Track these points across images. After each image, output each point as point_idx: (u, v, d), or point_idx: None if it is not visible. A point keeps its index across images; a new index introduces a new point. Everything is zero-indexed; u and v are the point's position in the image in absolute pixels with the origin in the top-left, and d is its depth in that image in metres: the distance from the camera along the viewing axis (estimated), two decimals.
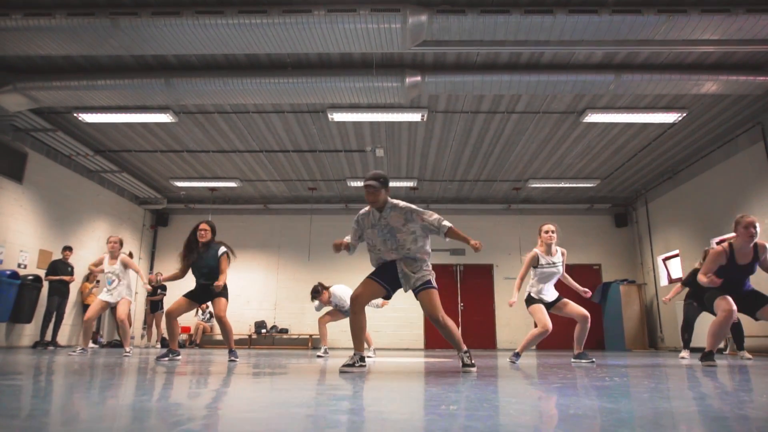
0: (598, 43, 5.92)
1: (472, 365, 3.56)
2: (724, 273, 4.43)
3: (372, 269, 3.83)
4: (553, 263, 5.04)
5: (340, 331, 10.89)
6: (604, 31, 5.51)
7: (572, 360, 5.13)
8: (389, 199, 3.72)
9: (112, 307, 6.72)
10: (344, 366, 3.41)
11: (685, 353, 6.68)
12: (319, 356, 6.38)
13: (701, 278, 4.45)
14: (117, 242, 6.48)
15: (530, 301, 5.11)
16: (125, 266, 6.44)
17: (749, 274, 4.46)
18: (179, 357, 5.12)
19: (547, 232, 5.05)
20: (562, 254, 5.15)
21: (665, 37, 5.62)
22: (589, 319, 4.99)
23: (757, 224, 4.36)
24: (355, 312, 3.59)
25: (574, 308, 5.02)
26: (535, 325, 5.08)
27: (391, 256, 3.69)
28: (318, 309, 7.08)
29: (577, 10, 5.37)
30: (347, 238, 4.00)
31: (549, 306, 5.10)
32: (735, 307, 4.35)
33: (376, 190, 3.59)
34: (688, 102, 7.65)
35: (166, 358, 4.94)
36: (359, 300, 3.59)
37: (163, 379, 2.75)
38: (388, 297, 3.83)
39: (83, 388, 2.20)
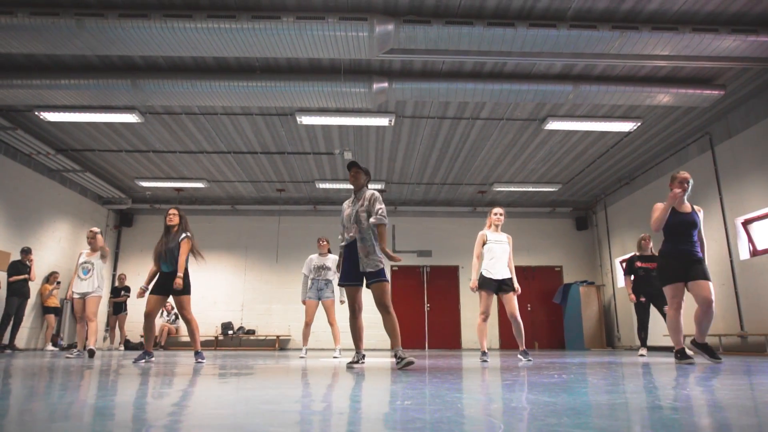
0: (557, 56, 6.21)
1: (409, 361, 3.84)
2: (669, 227, 4.53)
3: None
4: (500, 241, 5.63)
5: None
6: (563, 44, 5.78)
7: (519, 356, 5.54)
8: (367, 186, 4.44)
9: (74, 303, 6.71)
10: (350, 363, 4.17)
11: (643, 350, 6.94)
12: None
13: (655, 217, 4.50)
14: (98, 235, 6.67)
15: (482, 283, 5.57)
16: (103, 257, 6.59)
17: (693, 226, 4.51)
18: (153, 359, 5.14)
19: (496, 213, 5.74)
20: (508, 238, 5.73)
21: (620, 51, 5.93)
22: (518, 319, 5.46)
23: (691, 181, 4.57)
24: (355, 317, 4.25)
25: (510, 306, 5.48)
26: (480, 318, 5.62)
27: (351, 231, 4.24)
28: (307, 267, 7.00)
29: (537, 24, 5.62)
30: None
31: (498, 287, 5.52)
32: (683, 295, 4.42)
33: (357, 172, 4.38)
34: (643, 112, 8.04)
35: (143, 361, 4.94)
36: (358, 307, 4.24)
37: (139, 380, 2.81)
38: (364, 286, 4.25)
39: (51, 389, 2.25)
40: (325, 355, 7.50)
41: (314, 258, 6.97)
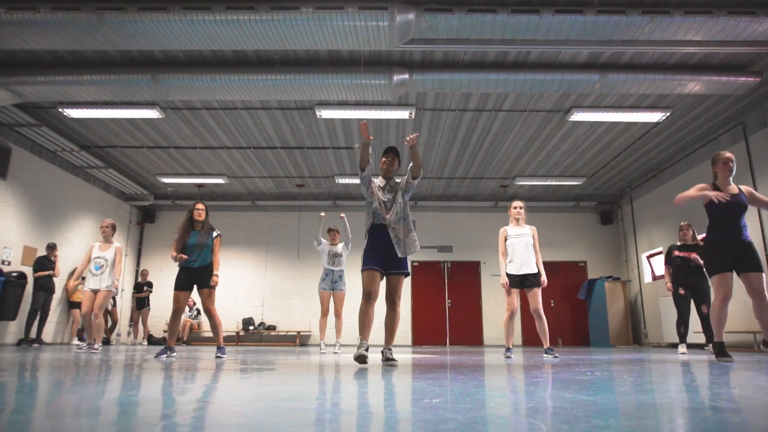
0: (583, 43, 6.00)
1: (394, 360, 3.78)
2: (716, 208, 4.26)
3: (364, 252, 4.00)
4: (521, 234, 5.50)
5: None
6: (590, 31, 5.58)
7: (544, 355, 5.36)
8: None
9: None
10: (358, 356, 3.68)
11: (682, 348, 6.46)
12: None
13: (685, 194, 4.28)
14: (109, 226, 6.63)
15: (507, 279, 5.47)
16: (115, 255, 6.56)
17: (741, 209, 4.25)
18: (175, 354, 5.15)
19: (515, 207, 5.67)
20: (532, 230, 5.59)
21: (649, 38, 5.71)
22: (541, 315, 5.29)
23: (734, 159, 4.37)
24: (370, 305, 3.86)
25: (534, 301, 5.33)
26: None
27: (387, 217, 3.98)
28: (318, 242, 7.21)
29: (562, 10, 5.43)
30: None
31: (522, 283, 5.38)
32: (731, 285, 4.17)
33: (394, 159, 4.15)
34: (672, 101, 7.77)
35: (164, 355, 4.94)
36: (374, 294, 3.85)
37: (162, 375, 2.76)
38: (383, 277, 4.02)
39: (75, 384, 2.21)
40: (344, 351, 7.44)
41: (326, 245, 7.19)
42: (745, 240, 4.22)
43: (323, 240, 7.22)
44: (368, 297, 3.83)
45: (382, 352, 3.86)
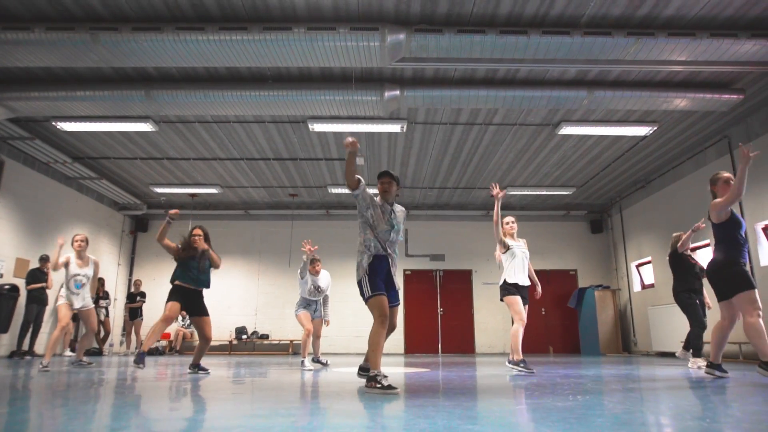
0: (571, 62, 6.13)
1: (384, 386, 3.35)
2: (727, 231, 4.31)
3: (372, 274, 3.70)
4: (520, 246, 5.59)
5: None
6: (577, 51, 5.70)
7: (507, 362, 5.39)
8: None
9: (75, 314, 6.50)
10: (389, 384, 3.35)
11: (699, 361, 6.03)
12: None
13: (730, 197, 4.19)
14: (83, 240, 6.23)
15: (506, 290, 5.41)
16: (95, 270, 6.39)
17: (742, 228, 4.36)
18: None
19: (508, 223, 5.75)
20: (525, 243, 5.71)
21: (635, 57, 5.83)
22: (520, 324, 5.23)
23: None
24: (385, 329, 3.58)
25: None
26: (512, 322, 5.42)
27: (386, 248, 3.76)
28: (302, 275, 6.69)
29: (550, 32, 5.55)
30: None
31: (523, 296, 5.41)
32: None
33: (391, 183, 3.91)
34: (659, 116, 7.91)
35: (141, 365, 5.18)
36: (391, 321, 3.71)
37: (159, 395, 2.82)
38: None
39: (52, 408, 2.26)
40: (337, 364, 7.49)
41: (308, 277, 6.72)
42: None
43: (307, 274, 6.74)
44: (383, 321, 3.55)
45: (371, 372, 3.49)
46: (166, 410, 2.54)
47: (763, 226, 7.68)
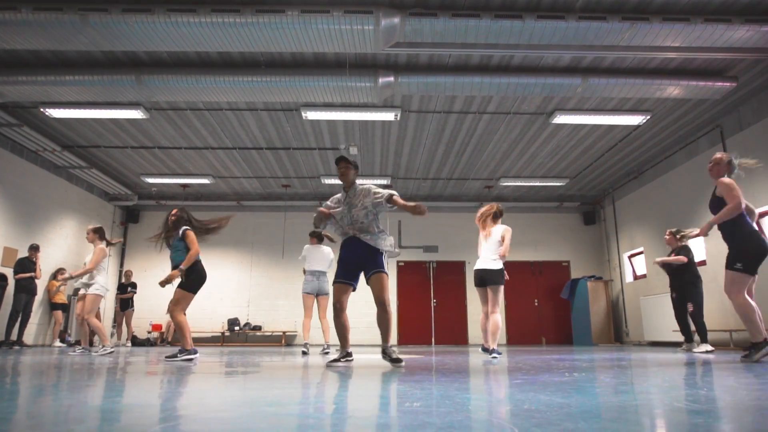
0: (565, 48, 6.11)
1: (400, 361, 3.83)
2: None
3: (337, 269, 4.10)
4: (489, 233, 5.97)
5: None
6: (571, 37, 5.68)
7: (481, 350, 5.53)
8: (356, 181, 4.18)
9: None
10: (331, 361, 3.98)
11: (706, 346, 6.41)
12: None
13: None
14: (90, 231, 6.51)
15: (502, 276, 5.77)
16: (92, 256, 6.42)
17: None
18: (195, 355, 4.93)
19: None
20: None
21: (629, 43, 5.83)
22: (495, 315, 5.35)
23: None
24: (337, 315, 4.00)
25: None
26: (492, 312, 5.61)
27: (349, 231, 4.04)
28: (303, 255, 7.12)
29: (545, 16, 5.52)
30: (327, 206, 4.22)
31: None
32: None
33: (347, 168, 4.10)
34: (652, 105, 7.92)
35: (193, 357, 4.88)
36: (340, 305, 3.97)
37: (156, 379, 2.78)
38: (354, 290, 4.10)
39: (57, 388, 2.22)
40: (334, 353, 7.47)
41: (308, 247, 7.10)
42: None
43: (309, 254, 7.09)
44: (337, 309, 3.98)
45: (385, 352, 3.91)
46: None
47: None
